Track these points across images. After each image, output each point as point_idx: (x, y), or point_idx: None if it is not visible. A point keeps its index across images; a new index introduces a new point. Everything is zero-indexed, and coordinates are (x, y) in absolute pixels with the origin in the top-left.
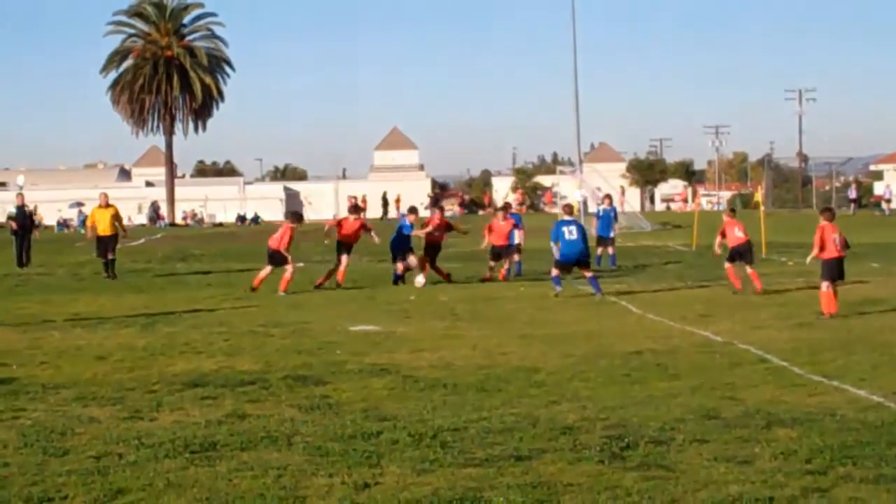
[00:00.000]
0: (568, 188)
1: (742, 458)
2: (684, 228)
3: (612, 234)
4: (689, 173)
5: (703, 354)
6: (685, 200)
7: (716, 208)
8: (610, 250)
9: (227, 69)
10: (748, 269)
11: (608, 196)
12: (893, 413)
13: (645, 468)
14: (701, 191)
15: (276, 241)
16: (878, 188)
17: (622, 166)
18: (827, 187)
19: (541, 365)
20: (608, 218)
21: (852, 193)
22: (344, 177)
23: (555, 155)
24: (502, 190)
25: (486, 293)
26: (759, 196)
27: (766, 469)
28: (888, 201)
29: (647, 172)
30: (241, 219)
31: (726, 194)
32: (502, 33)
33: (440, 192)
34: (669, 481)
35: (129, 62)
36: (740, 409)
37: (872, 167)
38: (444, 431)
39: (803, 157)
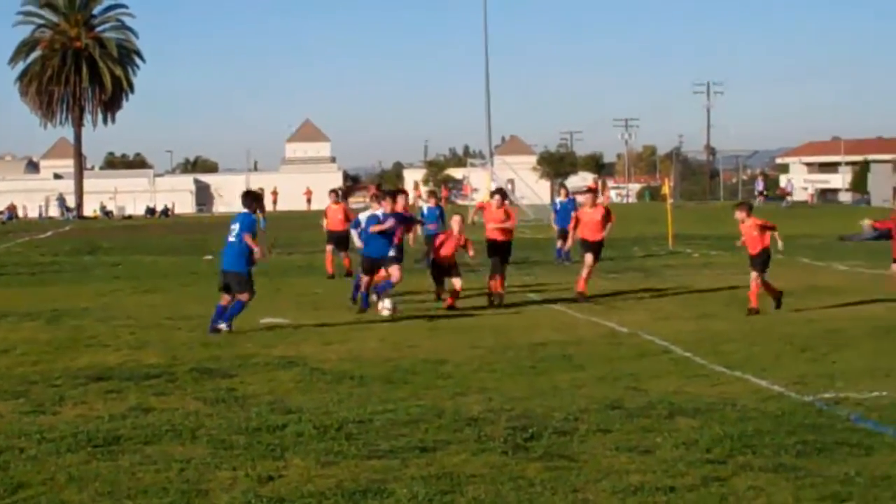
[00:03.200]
0: (478, 180)
1: (644, 447)
2: None
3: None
4: (598, 166)
5: (609, 345)
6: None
7: (625, 201)
8: (569, 243)
9: (138, 61)
10: None
11: (564, 186)
12: (793, 402)
13: (548, 458)
14: (610, 183)
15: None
16: (784, 181)
17: (532, 159)
18: (734, 180)
19: (448, 357)
20: (567, 210)
21: (760, 186)
22: (255, 169)
23: (466, 148)
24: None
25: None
26: (666, 188)
27: (668, 458)
28: (789, 194)
29: (558, 165)
30: (151, 211)
31: (636, 187)
32: (413, 26)
33: (352, 184)
34: (572, 471)
35: (37, 53)
36: (643, 400)
37: (778, 160)
38: (350, 423)
39: (711, 151)
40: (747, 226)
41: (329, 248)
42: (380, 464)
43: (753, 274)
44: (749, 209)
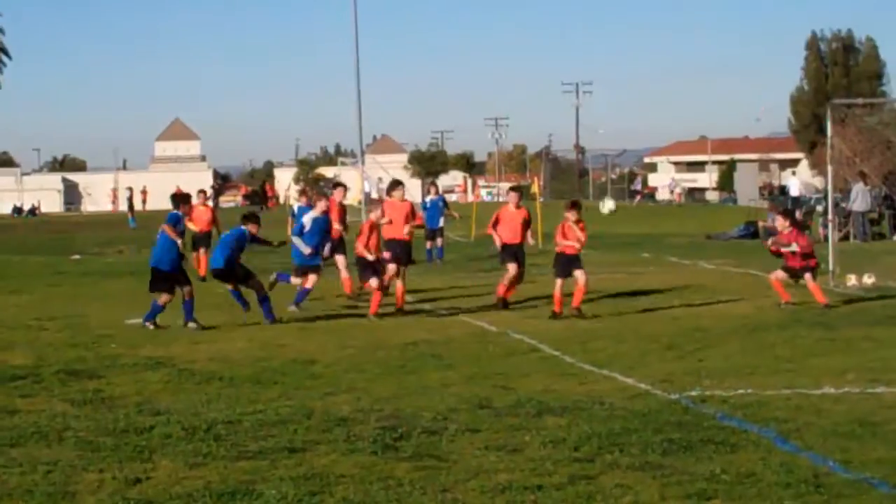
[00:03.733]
0: (350, 179)
1: (512, 446)
2: (464, 220)
3: (440, 225)
4: (469, 165)
5: (478, 344)
6: (465, 192)
7: (495, 199)
8: (439, 242)
9: (3, 58)
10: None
11: (434, 184)
12: (660, 401)
13: (417, 458)
14: (480, 182)
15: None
16: (652, 179)
17: (404, 158)
18: (603, 179)
19: (318, 357)
20: (436, 208)
21: (637, 185)
22: (124, 168)
23: (337, 146)
24: (285, 181)
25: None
26: (536, 187)
27: (536, 457)
28: (672, 191)
29: (429, 164)
30: (18, 210)
31: (506, 185)
32: (284, 24)
33: (222, 182)
34: (441, 471)
35: None
36: (512, 399)
37: (647, 159)
38: (219, 424)
39: (580, 150)
40: (576, 228)
41: (200, 249)
42: (249, 465)
43: (581, 278)
44: (580, 209)
